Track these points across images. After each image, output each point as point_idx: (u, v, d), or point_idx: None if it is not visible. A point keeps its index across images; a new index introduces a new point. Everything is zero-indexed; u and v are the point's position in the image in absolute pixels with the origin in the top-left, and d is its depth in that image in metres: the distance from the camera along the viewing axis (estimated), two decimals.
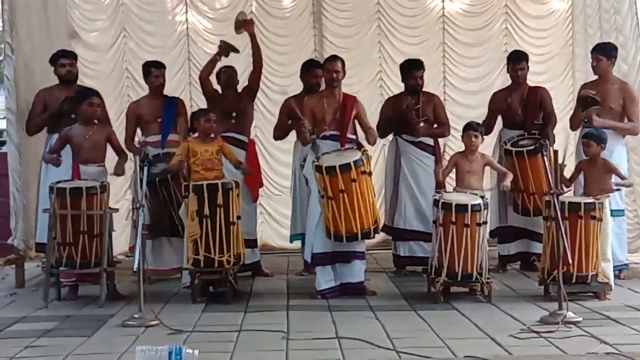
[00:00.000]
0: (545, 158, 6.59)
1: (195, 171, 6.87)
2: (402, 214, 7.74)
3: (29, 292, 7.25)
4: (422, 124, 7.62)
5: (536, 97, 7.77)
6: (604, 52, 7.39)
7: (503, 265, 7.88)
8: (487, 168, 7.18)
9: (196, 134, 7.01)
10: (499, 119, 7.94)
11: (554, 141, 7.51)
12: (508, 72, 7.94)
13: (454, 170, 7.08)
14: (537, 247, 7.62)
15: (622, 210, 7.28)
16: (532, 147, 7.33)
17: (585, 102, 7.18)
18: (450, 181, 7.37)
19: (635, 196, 8.24)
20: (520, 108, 7.74)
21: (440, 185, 7.19)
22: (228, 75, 7.85)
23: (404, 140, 7.76)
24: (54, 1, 8.88)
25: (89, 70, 8.95)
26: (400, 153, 7.78)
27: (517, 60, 7.83)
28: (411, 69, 7.78)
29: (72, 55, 7.63)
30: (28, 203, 7.98)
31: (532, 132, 7.61)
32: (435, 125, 7.78)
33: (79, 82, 7.69)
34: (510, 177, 7.05)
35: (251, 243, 7.69)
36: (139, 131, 7.81)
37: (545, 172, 6.93)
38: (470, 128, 6.98)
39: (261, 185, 8.22)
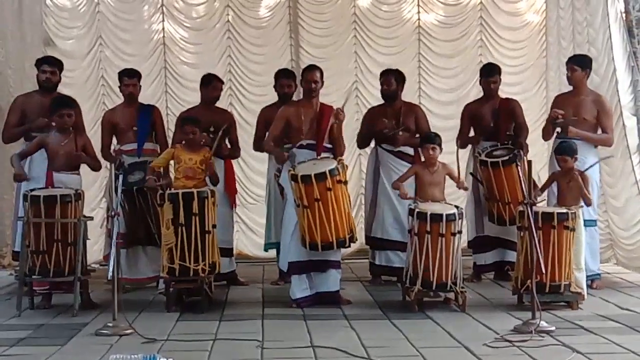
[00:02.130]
0: (519, 168, 6.65)
1: (177, 178, 6.89)
2: (380, 223, 7.76)
3: (2, 300, 7.17)
4: (400, 133, 7.67)
5: (508, 108, 7.84)
6: (579, 63, 7.46)
7: (478, 274, 7.93)
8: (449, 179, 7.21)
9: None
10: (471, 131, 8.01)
11: (527, 151, 7.58)
12: (481, 84, 8.00)
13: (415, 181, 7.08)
14: (512, 256, 7.68)
15: (595, 221, 7.35)
16: (507, 157, 7.40)
17: (556, 123, 7.28)
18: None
19: (607, 207, 8.34)
20: (493, 120, 7.81)
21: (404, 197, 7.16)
22: (216, 90, 7.84)
23: (384, 149, 7.80)
24: (29, 8, 8.86)
25: (64, 78, 8.80)
26: (380, 163, 7.82)
27: (490, 73, 7.89)
28: (382, 76, 7.92)
29: (56, 64, 7.55)
30: (2, 211, 7.92)
31: (505, 142, 7.68)
32: (417, 136, 7.83)
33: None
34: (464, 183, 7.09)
35: (228, 252, 7.69)
36: (114, 140, 7.78)
37: (520, 182, 7.02)
38: (427, 141, 6.97)
39: (235, 192, 8.22)
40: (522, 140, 7.65)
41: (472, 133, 8.00)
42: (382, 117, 7.76)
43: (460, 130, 7.93)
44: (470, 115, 7.94)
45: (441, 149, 7.00)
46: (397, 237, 7.62)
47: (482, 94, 8.11)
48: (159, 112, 7.91)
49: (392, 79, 7.82)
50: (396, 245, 7.60)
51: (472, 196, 7.86)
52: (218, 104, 8.09)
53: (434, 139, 6.98)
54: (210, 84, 7.81)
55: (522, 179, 6.18)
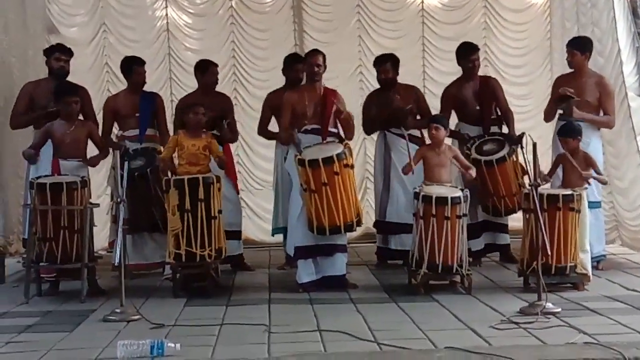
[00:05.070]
0: (521, 153, 6.61)
1: (180, 164, 6.90)
2: (395, 207, 7.74)
3: (10, 288, 7.21)
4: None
5: (489, 88, 7.79)
6: (579, 46, 7.42)
7: (478, 259, 7.84)
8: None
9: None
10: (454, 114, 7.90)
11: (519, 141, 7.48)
12: (460, 64, 7.85)
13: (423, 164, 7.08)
14: (502, 238, 7.79)
15: (599, 202, 7.33)
16: (501, 155, 7.38)
17: (565, 100, 7.25)
18: None
19: (612, 188, 8.32)
20: (477, 103, 7.74)
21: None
22: (214, 75, 7.83)
23: (393, 134, 7.78)
24: None
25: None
26: (390, 147, 7.80)
27: (470, 52, 7.78)
28: (377, 63, 7.90)
29: (69, 53, 7.58)
30: (8, 199, 7.94)
31: (490, 129, 7.63)
32: (417, 117, 7.82)
33: None
34: (473, 170, 7.06)
35: (237, 235, 7.71)
36: (116, 126, 7.80)
37: (514, 174, 7.22)
38: (432, 121, 7.02)
39: (235, 176, 8.23)
40: (512, 131, 7.61)
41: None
42: (385, 102, 7.74)
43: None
44: (452, 99, 7.83)
45: (447, 131, 7.00)
46: (411, 220, 7.60)
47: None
48: (161, 100, 7.93)
49: (388, 66, 7.79)
50: (411, 229, 7.58)
51: (462, 183, 7.80)
52: (222, 89, 8.10)
53: (438, 119, 7.01)
54: (208, 70, 7.80)
55: (526, 162, 6.14)
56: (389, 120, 7.73)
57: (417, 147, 7.56)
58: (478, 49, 7.89)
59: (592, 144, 7.19)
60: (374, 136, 8.16)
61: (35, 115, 7.35)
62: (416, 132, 7.78)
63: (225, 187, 7.14)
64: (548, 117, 7.63)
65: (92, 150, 7.30)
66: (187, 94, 8.13)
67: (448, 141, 7.79)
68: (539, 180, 6.09)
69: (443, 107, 7.85)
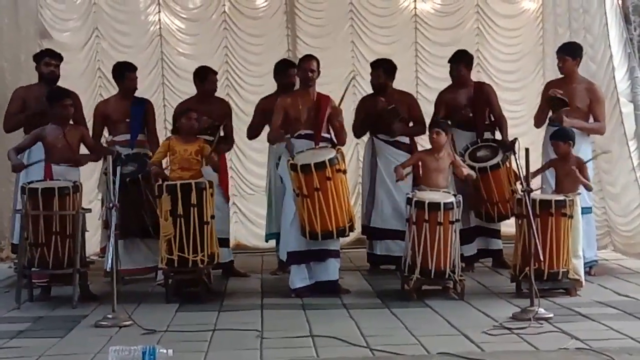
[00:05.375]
0: (514, 160, 6.63)
1: (172, 169, 6.89)
2: (379, 213, 7.75)
3: (1, 293, 7.18)
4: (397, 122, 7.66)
5: (483, 94, 7.82)
6: (569, 52, 7.44)
7: (470, 264, 7.85)
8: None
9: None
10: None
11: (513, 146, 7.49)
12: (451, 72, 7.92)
13: (420, 168, 7.08)
14: (495, 244, 7.81)
15: (590, 208, 7.33)
16: (494, 162, 7.41)
17: (554, 102, 7.26)
18: None
19: (604, 194, 8.34)
20: (471, 109, 7.76)
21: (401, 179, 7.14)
22: (213, 83, 7.82)
23: (380, 140, 7.80)
24: (24, 1, 8.84)
25: (60, 70, 8.87)
26: (377, 153, 7.81)
27: (453, 60, 7.83)
28: (371, 67, 7.92)
29: (59, 57, 7.58)
30: None
31: (484, 135, 7.67)
32: (410, 124, 7.82)
33: None
34: (472, 174, 7.08)
35: (225, 242, 7.70)
36: (105, 131, 7.79)
37: (508, 180, 7.27)
38: (433, 125, 7.04)
39: (227, 185, 8.21)
40: (505, 137, 7.63)
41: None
42: (377, 107, 7.74)
43: (432, 119, 7.76)
44: (446, 104, 7.86)
45: (448, 136, 6.98)
46: (396, 226, 7.61)
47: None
48: (151, 106, 7.93)
49: (380, 72, 7.81)
50: (396, 234, 7.59)
51: (455, 189, 7.79)
52: (215, 94, 8.08)
53: (440, 124, 7.03)
54: (207, 79, 7.77)
55: (518, 167, 6.16)
56: (376, 123, 7.74)
57: (403, 154, 7.58)
58: (463, 61, 7.88)
59: (582, 150, 7.19)
60: (365, 139, 8.16)
61: (30, 113, 7.31)
62: (405, 139, 7.78)
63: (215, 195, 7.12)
64: (538, 122, 7.65)
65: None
66: (184, 99, 8.11)
67: None
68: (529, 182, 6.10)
69: (436, 112, 7.87)
